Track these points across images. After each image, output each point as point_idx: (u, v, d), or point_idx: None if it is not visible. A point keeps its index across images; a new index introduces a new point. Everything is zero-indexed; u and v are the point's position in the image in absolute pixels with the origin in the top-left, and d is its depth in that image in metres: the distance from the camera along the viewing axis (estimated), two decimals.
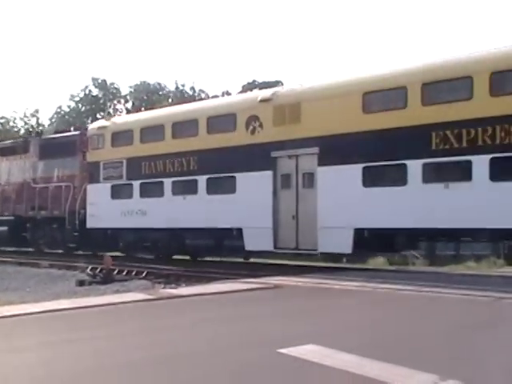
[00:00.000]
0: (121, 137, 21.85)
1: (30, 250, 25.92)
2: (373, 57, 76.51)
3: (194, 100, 45.76)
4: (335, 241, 16.00)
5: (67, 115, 63.12)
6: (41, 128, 51.34)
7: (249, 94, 24.15)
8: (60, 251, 24.53)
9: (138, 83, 65.66)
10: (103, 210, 21.89)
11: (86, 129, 23.42)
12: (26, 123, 58.55)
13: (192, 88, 64.93)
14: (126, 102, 66.94)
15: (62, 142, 24.73)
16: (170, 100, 61.28)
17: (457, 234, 14.94)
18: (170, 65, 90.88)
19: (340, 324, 8.04)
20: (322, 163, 16.45)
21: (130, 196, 21.14)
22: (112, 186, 21.80)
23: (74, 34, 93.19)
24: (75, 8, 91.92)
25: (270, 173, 17.47)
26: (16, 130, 56.32)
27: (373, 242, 15.94)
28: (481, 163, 13.79)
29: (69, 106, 64.68)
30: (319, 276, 13.75)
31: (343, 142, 16.01)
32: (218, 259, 20.63)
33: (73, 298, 12.35)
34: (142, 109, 50.10)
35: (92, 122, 39.54)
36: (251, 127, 17.93)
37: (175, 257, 21.34)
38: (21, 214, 26.00)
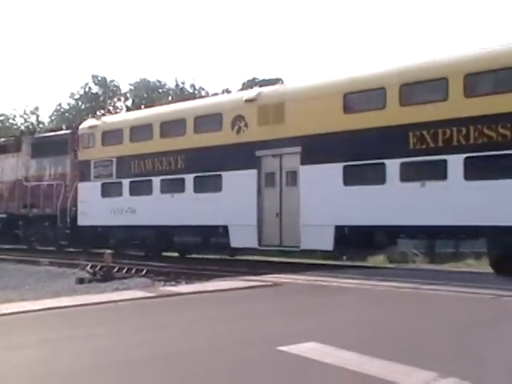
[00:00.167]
0: (111, 136, 22.26)
1: (23, 247, 26.31)
2: (373, 54, 76.58)
3: (194, 97, 45.98)
4: (317, 238, 16.37)
5: (67, 113, 63.08)
6: (41, 126, 51.59)
7: (234, 95, 24.63)
8: (54, 248, 24.89)
9: (138, 81, 65.42)
10: (94, 207, 22.31)
11: (78, 128, 23.75)
12: (25, 121, 58.57)
13: (192, 85, 64.72)
14: (126, 99, 66.79)
15: (53, 140, 25.11)
16: (170, 97, 61.22)
17: (433, 232, 15.29)
18: (170, 62, 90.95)
19: (340, 322, 8.07)
20: (304, 162, 16.81)
21: (120, 194, 21.55)
22: (102, 185, 22.21)
23: (73, 31, 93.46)
24: (75, 5, 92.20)
25: (254, 171, 17.84)
26: (16, 127, 56.45)
27: (353, 239, 16.30)
28: (455, 162, 14.14)
29: (69, 104, 64.58)
30: (319, 274, 13.87)
31: (325, 141, 16.36)
32: (219, 257, 20.97)
33: (73, 296, 12.42)
34: (142, 106, 50.36)
35: None
36: (237, 127, 18.29)
37: (171, 254, 21.80)
38: (13, 212, 26.38)
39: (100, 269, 17.89)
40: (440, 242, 16.56)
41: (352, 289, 11.39)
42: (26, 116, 58.89)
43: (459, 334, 7.06)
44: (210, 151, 18.87)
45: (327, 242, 16.24)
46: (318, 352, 5.88)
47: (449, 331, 7.18)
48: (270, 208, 17.65)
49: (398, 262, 18.89)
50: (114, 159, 21.87)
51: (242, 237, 18.07)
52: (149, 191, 20.64)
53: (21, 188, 25.98)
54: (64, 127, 26.78)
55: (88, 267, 18.71)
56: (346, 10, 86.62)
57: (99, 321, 8.37)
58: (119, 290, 14.10)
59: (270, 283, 12.06)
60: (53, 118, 63.61)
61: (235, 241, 18.25)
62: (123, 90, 66.25)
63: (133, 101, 65.26)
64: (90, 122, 23.89)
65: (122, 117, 24.37)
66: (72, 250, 24.18)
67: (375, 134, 15.44)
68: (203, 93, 62.23)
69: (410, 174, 14.94)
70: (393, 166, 15.07)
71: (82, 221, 22.70)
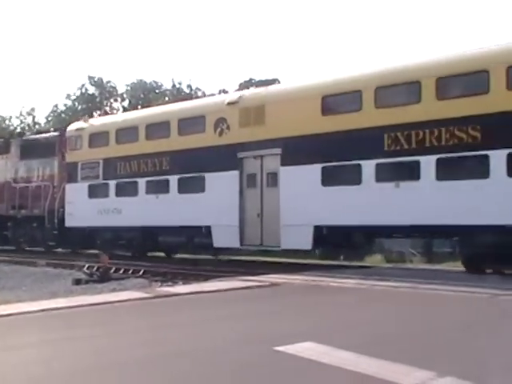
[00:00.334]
0: (97, 138, 22.61)
1: (12, 248, 26.59)
2: (371, 54, 76.82)
3: (191, 98, 46.20)
4: (296, 238, 16.71)
5: (63, 114, 63.23)
6: (37, 127, 51.86)
7: (217, 97, 25.03)
8: (42, 249, 25.19)
9: (135, 81, 65.38)
10: (81, 208, 22.65)
11: (65, 130, 24.08)
12: (22, 122, 58.90)
13: (189, 86, 64.77)
14: (123, 100, 66.82)
15: (42, 142, 25.51)
16: (166, 98, 61.25)
17: (408, 231, 15.60)
18: (166, 63, 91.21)
19: (337, 321, 8.05)
20: (284, 163, 17.14)
21: (106, 195, 21.90)
22: (89, 186, 22.56)
23: (70, 32, 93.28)
24: (72, 6, 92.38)
25: (236, 173, 18.18)
26: (12, 128, 56.68)
27: (331, 239, 16.67)
28: (428, 163, 14.47)
29: (65, 105, 64.64)
30: (316, 274, 13.91)
31: (304, 143, 16.69)
32: (216, 258, 21.20)
33: (69, 297, 12.31)
34: (139, 107, 50.45)
35: None
36: (219, 129, 18.62)
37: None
38: (2, 213, 26.70)
39: (97, 269, 17.95)
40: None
41: (349, 289, 11.42)
42: (22, 117, 59.21)
43: (456, 332, 7.07)
44: (194, 153, 19.20)
45: (306, 242, 16.57)
46: (315, 352, 5.88)
47: (446, 330, 7.21)
48: (252, 209, 17.99)
49: (395, 261, 19.00)
50: (101, 161, 22.22)
51: (225, 237, 18.40)
52: (134, 192, 20.99)
53: (10, 189, 26.35)
54: (52, 129, 27.14)
55: (85, 268, 18.84)
56: (342, 10, 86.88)
57: (97, 321, 8.37)
58: (116, 290, 14.06)
59: (267, 283, 12.10)
60: (49, 119, 63.65)
61: (218, 241, 18.58)
62: (120, 91, 66.20)
63: (129, 101, 65.19)
64: (77, 124, 24.21)
65: (109, 119, 24.68)
66: (61, 250, 24.50)
67: (352, 135, 15.76)
68: (200, 93, 62.15)
69: (385, 174, 15.26)
70: (368, 166, 15.39)
71: (69, 222, 23.04)
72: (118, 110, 62.90)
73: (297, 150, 16.87)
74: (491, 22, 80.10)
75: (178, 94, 60.91)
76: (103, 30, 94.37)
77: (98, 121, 24.85)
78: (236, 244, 18.20)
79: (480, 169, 13.79)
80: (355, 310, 9.13)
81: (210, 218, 18.65)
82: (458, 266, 15.57)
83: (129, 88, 66.09)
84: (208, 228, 18.72)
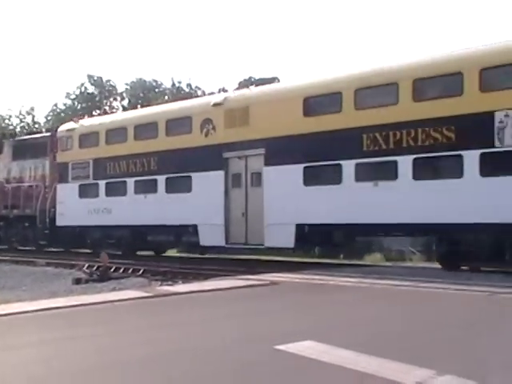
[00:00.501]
0: (88, 138, 22.97)
1: (4, 247, 26.80)
2: (370, 53, 76.98)
3: (191, 97, 46.42)
4: (279, 236, 17.07)
5: (63, 113, 63.43)
6: (36, 126, 52.15)
7: (203, 99, 25.42)
8: (34, 248, 25.51)
9: (134, 80, 65.53)
10: (72, 208, 23.03)
11: (56, 131, 24.43)
12: (21, 121, 59.15)
13: (188, 85, 64.87)
14: (123, 99, 66.94)
15: (33, 143, 25.86)
16: (166, 97, 61.39)
17: (387, 230, 15.90)
18: (166, 62, 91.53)
19: (337, 320, 8.05)
20: (267, 163, 17.49)
21: (97, 195, 22.27)
22: (80, 186, 22.93)
23: (69, 31, 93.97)
24: (71, 5, 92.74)
25: (221, 173, 18.53)
26: (11, 127, 56.96)
27: (313, 237, 17.04)
28: (405, 163, 14.78)
29: (65, 104, 64.83)
30: (316, 272, 13.94)
31: (286, 143, 17.03)
32: (216, 257, 21.52)
33: (69, 296, 12.35)
34: (139, 106, 50.69)
35: None
36: (205, 129, 18.96)
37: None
38: None
39: (97, 269, 18.07)
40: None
41: (349, 287, 11.44)
42: (21, 116, 59.46)
43: (456, 331, 7.09)
44: (181, 153, 19.56)
45: (289, 240, 16.92)
46: (315, 350, 5.88)
47: (446, 328, 7.23)
48: (237, 208, 18.34)
49: (395, 260, 19.20)
50: (91, 161, 22.57)
51: (211, 236, 18.76)
52: (124, 192, 21.35)
53: (2, 190, 26.71)
54: (44, 130, 27.50)
55: (85, 267, 18.99)
56: (342, 8, 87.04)
57: (97, 321, 8.35)
58: (116, 290, 14.10)
59: (267, 282, 12.10)
60: (49, 118, 63.84)
61: (204, 239, 18.94)
62: (119, 90, 66.32)
63: (129, 100, 65.26)
64: (68, 125, 24.58)
65: (99, 120, 25.03)
66: (52, 249, 24.76)
67: (332, 136, 16.07)
68: (199, 92, 62.28)
69: (364, 174, 15.58)
70: (348, 166, 15.71)
71: (60, 221, 23.42)
72: (117, 109, 63.03)
73: (280, 151, 17.20)
74: (489, 22, 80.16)
75: (177, 93, 60.97)
76: (103, 29, 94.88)
77: (88, 121, 25.16)
78: (222, 242, 18.53)
79: (454, 169, 14.10)
80: (355, 308, 9.17)
81: (197, 217, 19.00)
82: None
83: (128, 87, 66.19)
84: (195, 227, 19.07)
